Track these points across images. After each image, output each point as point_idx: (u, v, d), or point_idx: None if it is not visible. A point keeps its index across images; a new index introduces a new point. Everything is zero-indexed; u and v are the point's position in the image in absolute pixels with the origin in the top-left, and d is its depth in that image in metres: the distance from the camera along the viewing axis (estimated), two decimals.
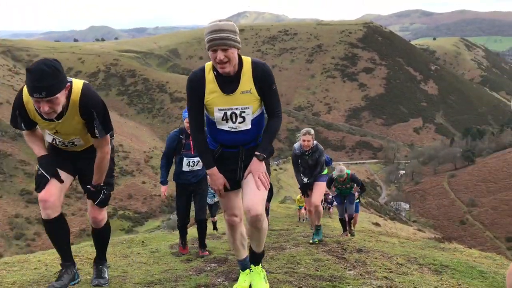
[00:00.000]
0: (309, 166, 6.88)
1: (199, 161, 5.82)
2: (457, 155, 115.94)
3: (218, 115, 3.28)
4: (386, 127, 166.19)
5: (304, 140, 6.68)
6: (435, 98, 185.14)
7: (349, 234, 9.49)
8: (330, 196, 17.71)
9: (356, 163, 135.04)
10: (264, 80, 3.28)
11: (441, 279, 4.52)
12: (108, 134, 3.49)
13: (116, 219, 73.94)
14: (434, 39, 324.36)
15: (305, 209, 15.10)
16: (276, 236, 7.62)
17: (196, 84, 3.28)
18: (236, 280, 3.95)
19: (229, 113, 3.26)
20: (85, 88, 3.33)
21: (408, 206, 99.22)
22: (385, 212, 79.68)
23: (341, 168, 9.62)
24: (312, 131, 6.81)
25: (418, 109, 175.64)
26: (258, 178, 3.31)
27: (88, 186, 3.65)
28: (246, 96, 3.23)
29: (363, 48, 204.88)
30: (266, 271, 4.28)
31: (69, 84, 3.19)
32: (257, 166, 3.34)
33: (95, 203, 3.68)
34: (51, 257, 5.04)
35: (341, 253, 5.68)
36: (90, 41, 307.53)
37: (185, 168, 5.83)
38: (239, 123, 3.29)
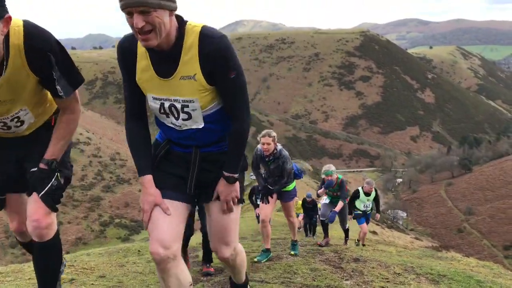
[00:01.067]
0: (270, 173, 5.83)
1: None
2: (454, 163, 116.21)
3: (153, 105, 2.29)
4: (383, 135, 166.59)
5: (263, 143, 5.65)
6: (432, 107, 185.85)
7: (325, 243, 8.03)
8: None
9: (353, 171, 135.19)
10: (216, 62, 2.10)
11: None
12: (76, 90, 2.43)
13: (112, 227, 73.64)
14: (431, 47, 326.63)
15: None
16: (273, 245, 7.59)
17: (126, 55, 2.23)
18: None
19: (166, 105, 2.24)
20: (29, 26, 2.19)
21: (405, 214, 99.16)
22: (383, 221, 79.57)
23: (329, 165, 8.17)
24: (273, 134, 5.69)
25: (415, 117, 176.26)
26: (226, 205, 2.43)
27: (36, 168, 2.40)
28: (189, 83, 2.15)
29: (360, 57, 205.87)
30: (262, 281, 4.25)
31: (8, 16, 2.04)
32: (226, 189, 2.40)
33: (41, 193, 2.38)
34: None
35: (338, 263, 5.65)
36: (87, 49, 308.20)
37: None
38: (184, 120, 2.28)
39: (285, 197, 6.07)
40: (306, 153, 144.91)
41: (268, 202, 5.84)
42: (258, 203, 7.56)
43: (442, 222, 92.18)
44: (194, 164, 2.38)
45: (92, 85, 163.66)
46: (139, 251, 6.93)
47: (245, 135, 2.37)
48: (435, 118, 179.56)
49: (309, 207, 13.65)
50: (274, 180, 5.81)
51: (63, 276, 4.45)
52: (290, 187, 6.09)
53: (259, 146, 5.86)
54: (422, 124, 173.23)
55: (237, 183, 2.43)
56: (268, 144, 5.59)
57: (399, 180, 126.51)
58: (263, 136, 5.71)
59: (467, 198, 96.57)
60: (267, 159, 5.73)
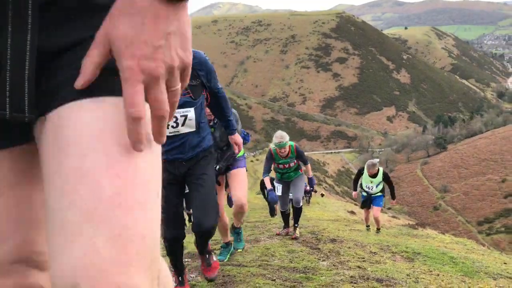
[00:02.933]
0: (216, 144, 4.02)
1: None
2: (430, 143, 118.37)
3: None
4: (360, 116, 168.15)
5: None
6: (407, 87, 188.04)
7: (292, 231, 6.58)
8: (308, 188, 15.71)
9: (331, 152, 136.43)
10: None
11: (413, 266, 4.58)
12: None
13: None
14: (406, 28, 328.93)
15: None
16: (251, 228, 7.63)
17: None
18: None
19: None
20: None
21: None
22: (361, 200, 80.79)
23: (281, 133, 6.18)
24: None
25: (391, 98, 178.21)
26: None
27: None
28: None
29: (336, 38, 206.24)
30: (239, 264, 4.26)
31: None
32: None
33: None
34: None
35: (315, 244, 5.71)
36: None
37: None
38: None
39: (235, 163, 4.41)
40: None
41: (219, 184, 4.36)
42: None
43: (418, 200, 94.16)
44: None
45: None
46: None
47: None
48: (411, 98, 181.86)
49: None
50: (220, 153, 4.17)
51: None
52: (239, 154, 4.43)
53: None
54: (398, 105, 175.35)
55: None
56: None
57: (376, 160, 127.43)
58: None
59: (442, 176, 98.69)
60: (210, 124, 3.96)
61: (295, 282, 3.76)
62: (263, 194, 13.47)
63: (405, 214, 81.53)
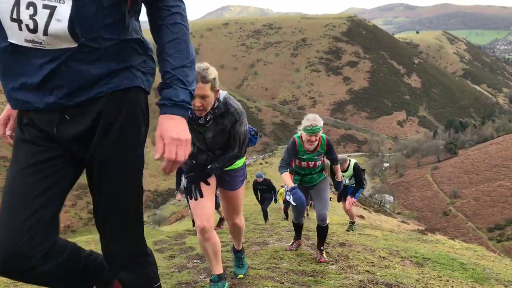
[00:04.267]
0: (208, 145, 3.21)
1: None
2: (440, 148, 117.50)
3: None
4: (370, 120, 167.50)
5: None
6: (418, 91, 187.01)
7: (318, 254, 4.98)
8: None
9: None
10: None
11: (422, 271, 4.56)
12: None
13: None
14: (417, 32, 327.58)
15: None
16: (260, 231, 7.63)
17: None
18: None
19: None
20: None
21: (392, 198, 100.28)
22: (370, 205, 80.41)
23: (314, 116, 4.69)
24: (212, 75, 2.88)
25: (402, 102, 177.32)
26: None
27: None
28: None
29: (347, 42, 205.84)
30: (248, 267, 4.26)
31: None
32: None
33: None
34: None
35: (324, 247, 5.69)
36: None
37: None
38: None
39: (231, 180, 3.43)
40: None
41: (202, 196, 3.17)
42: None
43: (428, 205, 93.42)
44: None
45: None
46: None
47: None
48: (422, 102, 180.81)
49: (263, 188, 12.12)
50: (211, 156, 3.27)
51: None
52: (239, 163, 3.43)
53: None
54: (408, 109, 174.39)
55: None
56: (205, 96, 2.88)
57: (386, 164, 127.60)
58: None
59: (452, 182, 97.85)
60: (200, 121, 3.05)
61: (303, 285, 3.76)
62: (256, 196, 12.56)
63: (414, 219, 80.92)
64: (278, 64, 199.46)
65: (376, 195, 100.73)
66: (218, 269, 3.33)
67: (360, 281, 3.89)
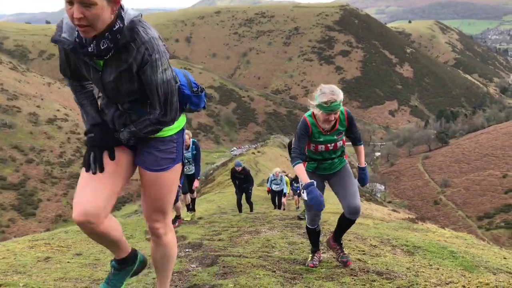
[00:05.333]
0: (108, 91, 2.26)
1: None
2: (431, 137, 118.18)
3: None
4: (362, 109, 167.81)
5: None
6: (410, 81, 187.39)
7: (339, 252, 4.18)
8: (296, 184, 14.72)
9: None
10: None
11: (413, 259, 4.59)
12: None
13: None
14: (410, 22, 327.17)
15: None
16: (252, 220, 7.64)
17: None
18: (210, 265, 3.93)
19: None
20: None
21: (383, 187, 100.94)
22: (361, 193, 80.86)
23: (332, 87, 3.66)
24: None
25: (394, 91, 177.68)
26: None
27: None
28: None
29: (340, 31, 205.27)
30: (240, 255, 4.27)
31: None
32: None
33: None
34: (20, 246, 4.92)
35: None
36: None
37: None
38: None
39: (153, 156, 2.38)
40: (287, 128, 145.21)
41: (102, 170, 2.25)
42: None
43: (419, 194, 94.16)
44: None
45: None
46: None
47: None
48: (413, 92, 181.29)
49: (241, 177, 11.51)
50: (121, 112, 2.35)
51: (38, 255, 4.40)
52: (169, 130, 2.41)
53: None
54: (400, 99, 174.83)
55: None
56: (88, 2, 1.97)
57: (378, 154, 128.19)
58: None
59: (443, 171, 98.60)
60: (90, 49, 2.09)
61: (295, 274, 3.77)
62: (235, 185, 11.78)
63: (405, 208, 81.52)
64: (271, 53, 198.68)
65: (367, 184, 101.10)
66: (121, 253, 2.49)
67: (351, 269, 3.91)
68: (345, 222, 4.00)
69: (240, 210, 11.73)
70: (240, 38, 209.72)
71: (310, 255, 4.26)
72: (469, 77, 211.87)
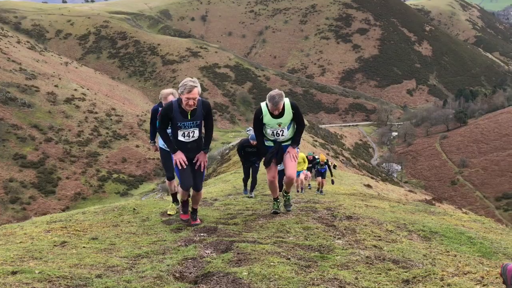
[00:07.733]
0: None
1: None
2: (450, 117, 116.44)
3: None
4: (379, 89, 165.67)
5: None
6: (429, 59, 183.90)
7: None
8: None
9: (349, 125, 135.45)
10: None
11: (430, 246, 4.53)
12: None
13: (110, 183, 74.23)
14: None
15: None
16: (268, 203, 7.63)
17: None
18: (224, 251, 3.93)
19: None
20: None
21: (400, 167, 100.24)
22: (377, 174, 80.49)
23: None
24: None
25: (412, 70, 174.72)
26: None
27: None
28: None
29: (357, 9, 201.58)
30: (254, 241, 4.25)
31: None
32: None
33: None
34: (38, 230, 4.98)
35: (331, 221, 5.67)
36: (79, 2, 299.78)
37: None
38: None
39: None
40: (302, 107, 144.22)
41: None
42: None
43: (436, 174, 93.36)
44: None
45: (85, 39, 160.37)
46: (134, 209, 6.89)
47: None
48: (432, 71, 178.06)
49: (254, 151, 10.67)
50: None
51: (54, 239, 4.45)
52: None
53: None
54: (418, 77, 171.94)
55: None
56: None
57: (395, 133, 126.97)
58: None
59: (461, 151, 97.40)
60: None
61: (310, 261, 3.75)
62: (243, 161, 11.07)
63: (422, 188, 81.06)
64: (287, 31, 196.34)
65: (384, 164, 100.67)
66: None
67: (367, 257, 3.88)
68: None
69: (246, 186, 10.99)
70: (256, 16, 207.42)
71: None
72: (490, 56, 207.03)
